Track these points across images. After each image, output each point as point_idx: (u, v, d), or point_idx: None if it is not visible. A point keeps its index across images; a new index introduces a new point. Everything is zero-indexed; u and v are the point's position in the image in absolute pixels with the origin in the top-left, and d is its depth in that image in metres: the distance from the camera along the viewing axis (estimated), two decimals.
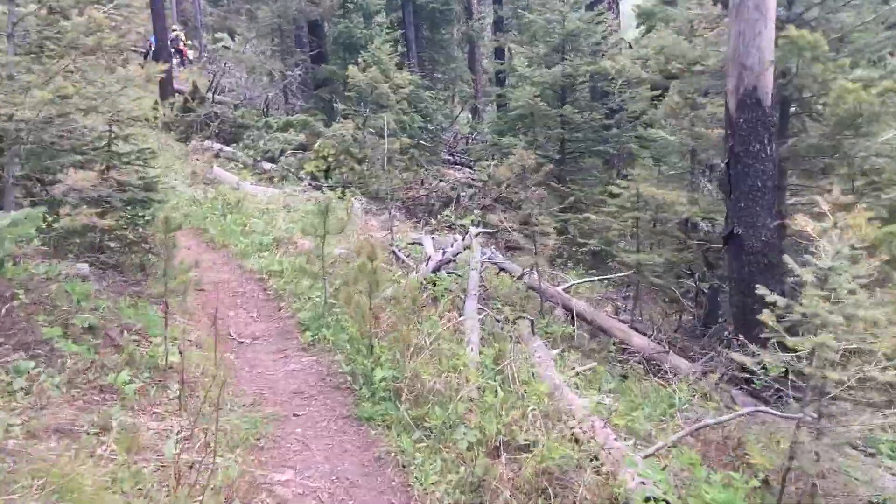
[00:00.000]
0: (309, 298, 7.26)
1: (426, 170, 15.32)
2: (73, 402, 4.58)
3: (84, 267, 6.27)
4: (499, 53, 32.18)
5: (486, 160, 16.79)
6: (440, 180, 13.43)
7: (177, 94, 19.97)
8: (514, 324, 7.33)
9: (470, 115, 31.47)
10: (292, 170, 13.48)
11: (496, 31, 30.81)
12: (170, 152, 15.04)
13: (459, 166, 20.53)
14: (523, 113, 14.78)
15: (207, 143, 15.78)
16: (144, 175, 7.15)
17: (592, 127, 12.08)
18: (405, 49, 20.50)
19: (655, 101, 11.68)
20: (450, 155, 20.73)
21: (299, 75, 17.59)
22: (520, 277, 8.57)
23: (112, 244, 6.94)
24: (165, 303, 5.23)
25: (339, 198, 12.35)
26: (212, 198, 11.07)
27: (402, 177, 13.02)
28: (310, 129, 15.28)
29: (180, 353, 5.10)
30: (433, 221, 11.53)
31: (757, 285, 4.61)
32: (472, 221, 11.34)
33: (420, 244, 9.35)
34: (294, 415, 5.15)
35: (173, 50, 26.28)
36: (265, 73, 20.21)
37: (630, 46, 15.05)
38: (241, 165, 14.67)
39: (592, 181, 12.97)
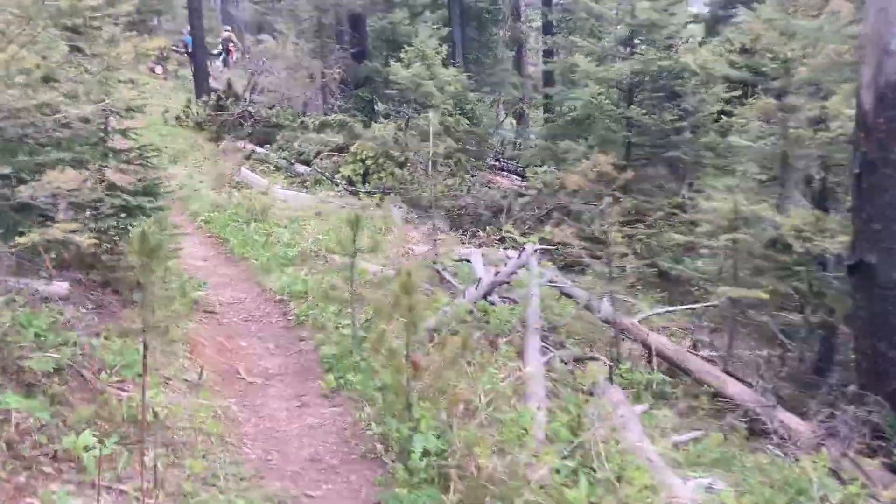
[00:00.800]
0: (336, 328, 6.04)
1: (472, 176, 14.06)
2: (10, 481, 3.42)
3: (62, 286, 5.14)
4: (548, 56, 30.86)
5: (538, 166, 15.48)
6: (488, 187, 12.13)
7: (212, 93, 19.15)
8: (585, 364, 6.02)
9: (514, 120, 30.22)
10: (327, 173, 12.35)
11: (545, 34, 29.50)
12: (200, 152, 14.09)
13: (507, 172, 19.23)
14: (582, 114, 13.45)
15: (239, 143, 14.78)
16: (144, 177, 6.04)
17: (663, 130, 10.67)
18: (451, 49, 19.29)
19: (735, 102, 10.25)
20: (496, 160, 19.43)
21: (339, 73, 16.50)
22: (587, 307, 7.22)
23: (103, 256, 5.82)
24: (144, 342, 4.05)
25: (376, 204, 11.19)
26: (236, 203, 9.97)
27: (447, 183, 11.78)
28: (348, 130, 14.15)
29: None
30: (481, 234, 10.26)
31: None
32: (527, 235, 10.02)
33: (468, 261, 8.08)
34: (306, 495, 3.91)
35: (224, 51, 25.91)
36: (304, 72, 19.25)
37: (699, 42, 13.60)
38: (273, 168, 13.61)
39: (658, 191, 11.55)
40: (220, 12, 36.38)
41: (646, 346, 6.78)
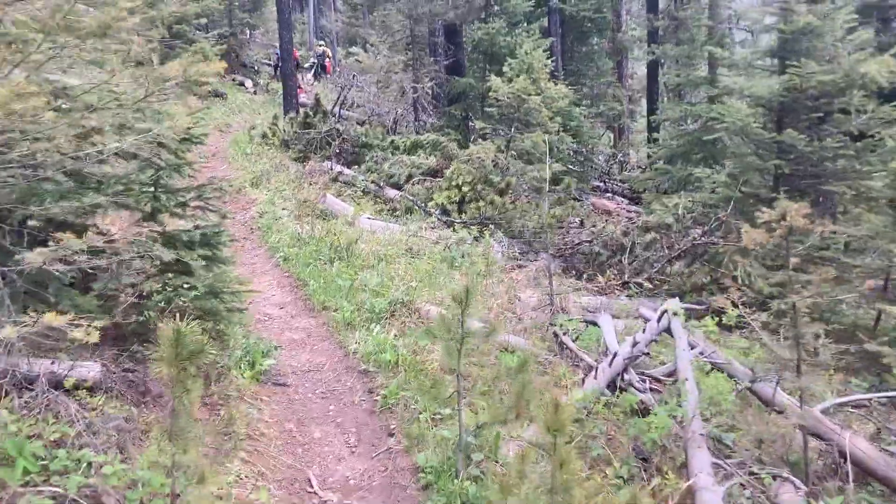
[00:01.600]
0: (434, 421, 4.68)
1: (579, 201, 12.53)
2: None
3: (92, 369, 4.00)
4: (652, 67, 28.96)
5: (661, 192, 13.78)
6: (605, 220, 10.53)
7: (301, 109, 18.42)
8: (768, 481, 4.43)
9: (610, 135, 28.43)
10: (419, 201, 11.09)
11: (651, 43, 27.57)
12: (284, 174, 13.14)
13: (612, 195, 17.55)
14: (704, 135, 11.75)
15: (326, 164, 13.77)
16: (204, 222, 4.89)
17: (822, 157, 8.82)
18: (554, 61, 17.82)
19: None
20: (601, 181, 17.80)
21: (432, 88, 15.32)
22: (751, 390, 5.59)
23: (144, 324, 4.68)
24: (172, 490, 2.79)
25: (474, 238, 9.83)
26: (319, 237, 8.83)
27: (556, 213, 10.30)
28: (441, 150, 12.90)
29: None
30: (600, 278, 8.71)
31: None
32: (656, 282, 8.43)
33: (595, 324, 6.55)
34: None
35: (319, 65, 25.58)
36: (395, 87, 18.23)
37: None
38: (361, 192, 12.50)
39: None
40: (313, 26, 36.28)
41: (840, 450, 5.08)
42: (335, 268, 7.91)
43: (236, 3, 25.11)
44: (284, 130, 15.57)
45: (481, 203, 10.43)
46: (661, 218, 9.37)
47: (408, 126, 16.79)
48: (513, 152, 11.43)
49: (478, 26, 15.88)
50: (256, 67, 26.77)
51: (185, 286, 4.58)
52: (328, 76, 26.77)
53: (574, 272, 9.54)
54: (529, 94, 10.92)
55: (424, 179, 12.21)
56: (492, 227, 10.25)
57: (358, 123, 17.57)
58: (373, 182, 12.75)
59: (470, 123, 16.20)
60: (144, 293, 4.36)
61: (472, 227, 10.33)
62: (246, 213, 10.80)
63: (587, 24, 24.54)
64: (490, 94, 11.29)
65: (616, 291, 8.66)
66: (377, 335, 6.02)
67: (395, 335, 6.06)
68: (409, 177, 12.46)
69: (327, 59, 26.29)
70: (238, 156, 14.47)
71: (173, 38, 19.62)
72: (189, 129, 4.72)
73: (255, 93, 24.23)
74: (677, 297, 6.87)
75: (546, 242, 9.46)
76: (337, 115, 17.25)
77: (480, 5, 15.39)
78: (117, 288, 4.18)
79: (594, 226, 9.89)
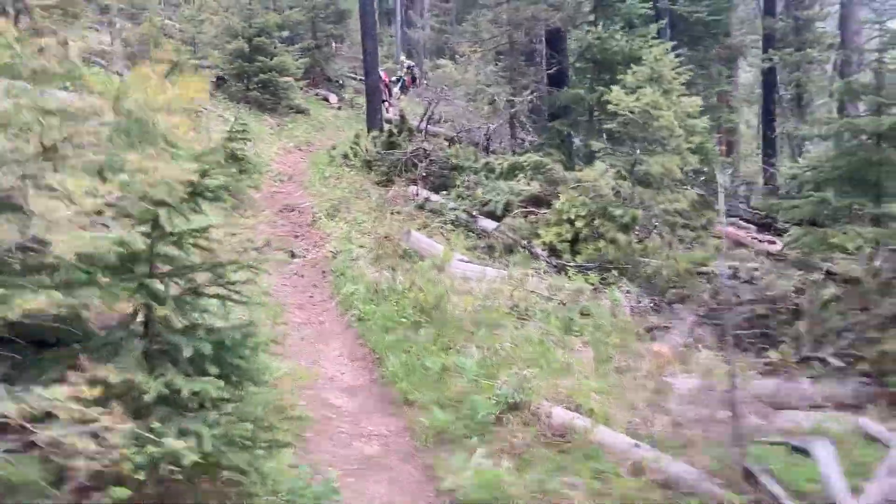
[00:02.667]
0: None
1: (706, 231, 10.32)
2: None
3: None
4: (768, 74, 26.13)
5: (803, 222, 11.36)
6: (767, 269, 8.22)
7: (388, 125, 16.95)
8: None
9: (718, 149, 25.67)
10: (522, 239, 9.19)
11: (767, 48, 24.75)
12: (364, 201, 11.54)
13: (735, 218, 15.04)
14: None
15: (411, 188, 12.10)
16: (219, 320, 3.17)
17: None
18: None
19: None
20: (725, 205, 15.31)
21: (532, 101, 13.41)
22: None
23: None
24: None
25: (593, 288, 7.84)
26: (402, 290, 7.06)
27: (696, 255, 8.19)
28: (545, 174, 10.97)
29: None
30: (770, 355, 6.53)
31: None
32: (845, 362, 6.19)
33: (802, 450, 4.44)
34: None
35: (412, 77, 24.36)
36: (488, 100, 16.42)
37: None
38: (451, 222, 10.71)
39: None
40: (400, 38, 35.13)
41: None
42: (421, 334, 6.10)
43: (321, 15, 24.03)
44: (367, 150, 14.03)
45: (602, 244, 8.42)
46: (845, 269, 7.09)
47: (502, 143, 14.93)
48: (637, 177, 9.37)
49: (586, 30, 13.86)
50: (342, 81, 25.63)
51: (182, 436, 2.83)
52: (413, 90, 25.49)
53: (732, 341, 7.33)
54: (660, 109, 8.84)
55: (526, 208, 10.30)
56: (615, 272, 8.22)
57: (446, 140, 15.87)
58: (464, 211, 10.95)
59: (573, 141, 14.19)
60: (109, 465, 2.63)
61: (589, 272, 8.34)
62: (319, 250, 9.21)
63: (701, 28, 22.13)
64: (610, 106, 9.28)
65: (792, 368, 6.45)
66: (482, 466, 4.13)
67: (508, 465, 4.16)
68: (508, 205, 10.59)
69: (412, 73, 25.00)
70: (316, 179, 13.01)
71: (253, 51, 18.58)
72: (204, 173, 3.01)
73: (339, 108, 23.01)
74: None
75: (692, 297, 7.38)
76: (424, 132, 15.62)
77: (590, 8, 13.39)
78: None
79: (753, 278, 7.67)
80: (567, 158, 12.93)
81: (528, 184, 10.58)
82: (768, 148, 25.08)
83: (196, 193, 2.98)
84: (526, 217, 9.61)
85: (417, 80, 27.10)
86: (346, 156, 14.08)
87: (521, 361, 5.59)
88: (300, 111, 19.58)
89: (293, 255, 9.03)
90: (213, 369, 2.92)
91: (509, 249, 9.07)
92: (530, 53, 15.79)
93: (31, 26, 4.78)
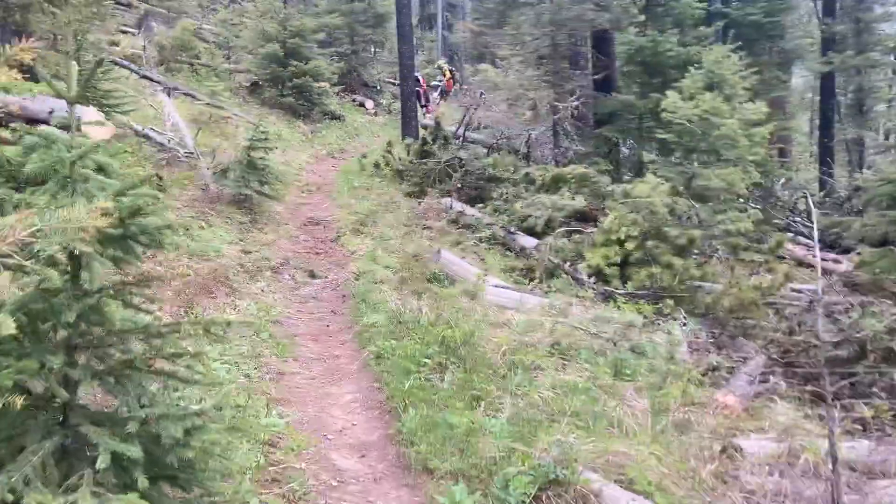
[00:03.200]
0: None
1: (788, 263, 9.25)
2: None
3: None
4: (826, 79, 24.78)
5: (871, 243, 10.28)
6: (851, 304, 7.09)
7: (424, 130, 16.20)
8: None
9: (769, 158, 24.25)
10: (565, 262, 8.28)
11: (826, 52, 23.34)
12: (394, 214, 10.76)
13: (793, 235, 13.85)
14: None
15: (445, 201, 11.29)
16: (161, 407, 2.36)
17: None
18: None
19: None
20: (782, 219, 14.12)
21: (577, 107, 12.47)
22: None
23: None
24: None
25: (646, 320, 6.91)
26: (427, 323, 6.22)
27: (762, 283, 7.19)
28: (591, 187, 10.04)
29: None
30: (859, 409, 5.49)
31: None
32: None
33: None
34: None
35: (454, 81, 23.72)
36: (529, 105, 15.52)
37: None
38: (485, 238, 9.87)
39: None
40: (441, 43, 34.47)
41: None
42: (447, 381, 5.25)
43: (359, 19, 23.41)
44: (399, 159, 13.27)
45: (656, 269, 7.46)
46: None
47: (543, 152, 14.02)
48: (693, 191, 8.39)
49: (637, 32, 12.87)
50: (379, 87, 25.00)
51: None
52: (453, 95, 24.80)
53: (797, 379, 6.32)
54: (723, 116, 7.85)
55: (569, 225, 9.39)
56: (669, 302, 7.26)
57: (485, 147, 15.04)
58: (501, 227, 10.10)
59: (621, 150, 13.21)
60: None
61: (640, 300, 7.40)
62: (341, 271, 8.44)
63: (754, 31, 20.90)
64: (664, 114, 8.32)
65: (887, 427, 5.42)
66: None
67: None
68: (549, 222, 9.69)
69: (453, 77, 24.28)
70: (344, 190, 12.29)
71: (287, 55, 18.00)
72: (133, 212, 2.22)
73: (375, 114, 22.36)
74: None
75: (760, 332, 6.40)
76: (461, 139, 14.82)
77: (640, 8, 12.40)
78: None
79: (835, 312, 6.61)
80: (614, 169, 11.96)
81: (573, 198, 9.66)
82: (826, 156, 23.64)
83: (126, 237, 2.19)
84: (570, 236, 8.70)
85: (459, 85, 26.44)
86: (377, 165, 13.34)
87: (563, 417, 4.70)
88: (335, 117, 18.96)
89: (313, 276, 8.29)
90: (143, 480, 2.12)
91: (550, 273, 8.17)
92: (573, 57, 14.86)
93: None
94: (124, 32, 19.52)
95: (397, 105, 22.44)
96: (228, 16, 21.01)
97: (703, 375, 6.09)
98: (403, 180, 12.64)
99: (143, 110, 12.51)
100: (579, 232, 8.80)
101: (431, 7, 38.03)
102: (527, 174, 11.28)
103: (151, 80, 15.69)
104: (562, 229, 8.94)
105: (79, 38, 9.43)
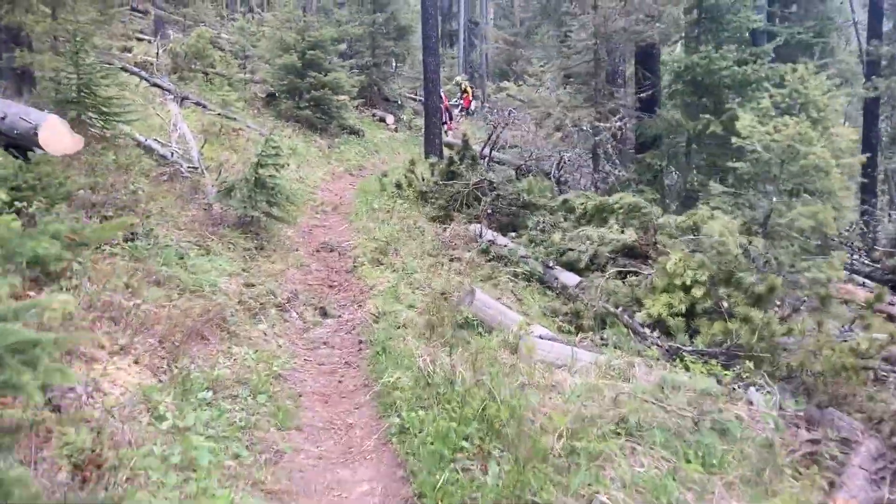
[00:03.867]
0: None
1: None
2: None
3: None
4: (871, 106, 23.51)
5: None
6: None
7: (450, 148, 15.14)
8: None
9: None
10: (618, 308, 7.08)
11: (870, 76, 22.16)
12: (417, 241, 9.63)
13: (850, 273, 12.57)
14: None
15: (474, 227, 10.15)
16: None
17: None
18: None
19: None
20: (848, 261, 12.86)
21: (620, 128, 11.33)
22: None
23: None
24: None
25: (724, 387, 5.70)
26: (462, 388, 5.05)
27: (859, 345, 5.97)
28: (641, 219, 8.86)
29: None
30: None
31: None
32: None
33: None
34: None
35: (462, 101, 22.81)
36: (555, 125, 14.38)
37: None
38: (521, 273, 8.71)
39: None
40: (463, 59, 33.56)
41: None
42: (491, 477, 4.07)
43: (381, 31, 22.48)
44: (423, 179, 12.18)
45: (730, 322, 6.25)
46: None
47: (581, 177, 12.86)
48: (771, 230, 7.19)
49: (687, 47, 11.73)
50: (400, 101, 24.03)
51: None
52: (476, 112, 23.83)
53: None
54: (810, 143, 6.67)
55: (616, 263, 8.19)
56: (749, 364, 6.04)
57: (514, 170, 13.94)
58: (538, 258, 8.94)
59: (666, 179, 12.03)
60: None
61: (712, 359, 6.19)
62: (358, 309, 7.30)
63: (802, 50, 19.79)
64: (738, 139, 7.15)
65: None
66: None
67: None
68: (595, 257, 8.52)
69: (471, 93, 23.33)
70: (362, 212, 11.19)
71: (306, 66, 17.02)
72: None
73: (395, 129, 21.36)
74: None
75: (862, 407, 5.18)
76: (487, 160, 13.73)
77: (692, 20, 11.26)
78: None
79: None
80: (661, 198, 10.80)
81: (622, 231, 8.48)
82: (870, 188, 22.38)
83: None
84: (623, 277, 7.50)
85: (481, 102, 25.50)
86: (398, 185, 12.25)
87: None
88: (353, 132, 17.96)
89: (325, 314, 7.16)
90: None
91: (602, 321, 6.98)
92: (612, 73, 13.77)
93: None
94: (140, 39, 18.67)
95: (418, 121, 21.42)
96: (246, 24, 20.11)
97: (806, 467, 4.88)
98: (427, 203, 11.53)
99: (150, 119, 11.54)
100: (635, 273, 7.60)
101: (454, 24, 37.19)
102: (565, 201, 10.12)
103: (162, 87, 14.75)
104: (613, 270, 7.75)
105: (78, 39, 8.43)
